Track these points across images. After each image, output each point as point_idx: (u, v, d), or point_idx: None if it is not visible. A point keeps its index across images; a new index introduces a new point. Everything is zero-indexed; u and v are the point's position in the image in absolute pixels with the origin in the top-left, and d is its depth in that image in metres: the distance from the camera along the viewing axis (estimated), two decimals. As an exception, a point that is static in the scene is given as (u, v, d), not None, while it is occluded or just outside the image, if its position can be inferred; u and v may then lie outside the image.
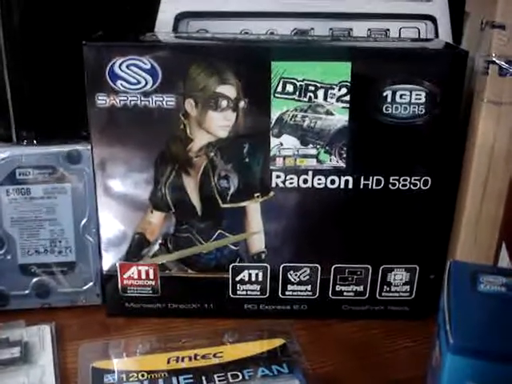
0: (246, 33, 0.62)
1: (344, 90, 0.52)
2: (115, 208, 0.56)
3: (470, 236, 0.55)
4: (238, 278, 0.58)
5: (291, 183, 0.55)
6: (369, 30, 0.64)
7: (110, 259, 0.58)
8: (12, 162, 0.58)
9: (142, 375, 0.52)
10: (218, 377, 0.52)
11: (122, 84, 0.52)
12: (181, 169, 0.55)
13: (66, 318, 0.59)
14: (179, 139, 0.53)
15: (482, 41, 0.53)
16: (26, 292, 0.60)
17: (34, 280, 0.60)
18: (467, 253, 0.55)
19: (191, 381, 0.52)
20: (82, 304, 0.61)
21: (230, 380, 0.52)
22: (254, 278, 0.58)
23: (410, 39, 0.60)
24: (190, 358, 0.54)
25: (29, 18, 0.58)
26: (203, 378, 0.52)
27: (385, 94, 0.52)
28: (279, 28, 0.63)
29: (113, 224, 0.57)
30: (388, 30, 0.65)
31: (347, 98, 0.52)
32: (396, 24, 0.65)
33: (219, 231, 0.57)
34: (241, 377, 0.52)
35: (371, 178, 0.54)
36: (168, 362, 0.54)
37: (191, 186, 0.55)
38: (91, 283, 0.60)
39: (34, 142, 0.59)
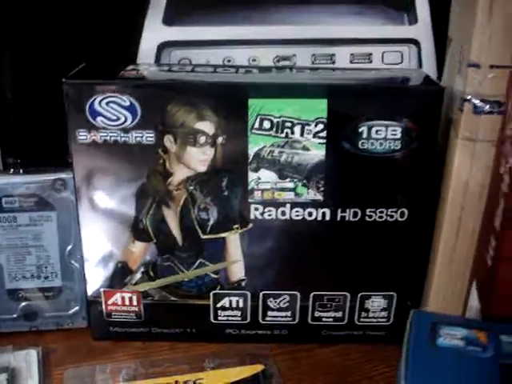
0: (229, 61, 0.62)
1: (320, 126, 0.53)
2: (98, 237, 0.58)
3: (445, 273, 0.55)
4: (218, 305, 0.59)
5: (269, 215, 0.56)
6: (351, 55, 0.65)
7: (94, 286, 0.59)
8: (-1, 190, 0.59)
9: (125, 403, 0.54)
10: (198, 404, 0.54)
11: (102, 120, 0.53)
12: (161, 201, 0.56)
13: (52, 342, 0.61)
14: (159, 173, 0.55)
15: (457, 77, 0.54)
16: (14, 316, 0.62)
17: (22, 304, 0.62)
18: (443, 287, 0.56)
19: (171, 409, 0.54)
20: (68, 327, 0.62)
21: (209, 408, 0.53)
22: (234, 305, 0.59)
23: (389, 70, 0.60)
24: (172, 386, 0.56)
25: (13, 50, 0.60)
26: (183, 405, 0.54)
27: (360, 129, 0.53)
28: (262, 55, 0.63)
29: (96, 252, 0.58)
30: (371, 54, 0.65)
31: (324, 133, 0.53)
32: (379, 48, 0.65)
33: (200, 260, 0.58)
34: (219, 405, 0.54)
35: (348, 210, 0.55)
36: (149, 391, 0.55)
37: (172, 217, 0.56)
38: (77, 307, 0.62)
39: (20, 170, 0.60)
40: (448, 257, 0.54)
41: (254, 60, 0.63)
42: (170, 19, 0.63)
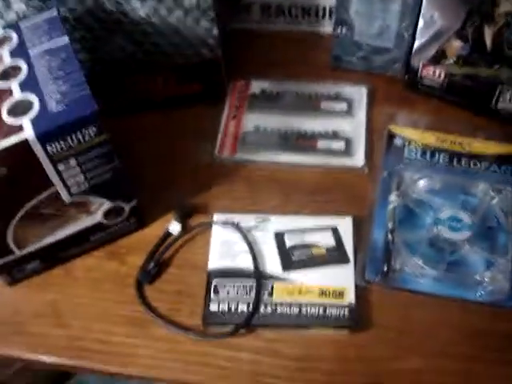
0: None
1: None
2: (427, 24, 0.79)
3: None
4: (500, 98, 0.80)
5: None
6: None
7: (417, 58, 0.83)
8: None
9: (418, 145, 0.81)
10: (464, 162, 0.79)
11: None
12: (484, 21, 0.74)
13: (379, 83, 0.87)
14: (489, 3, 0.72)
15: None
16: (354, 58, 0.88)
17: (360, 53, 0.87)
18: None
19: (447, 159, 0.80)
20: (390, 75, 0.88)
21: (471, 167, 0.79)
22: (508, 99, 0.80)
23: None
24: (450, 142, 0.81)
25: None
26: (455, 159, 0.79)
27: None
28: None
29: (426, 34, 0.80)
30: None
31: None
32: None
33: (498, 65, 0.78)
34: (478, 166, 0.78)
35: None
36: (436, 140, 0.81)
37: (488, 33, 0.75)
38: (400, 64, 0.86)
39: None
40: None
41: None
42: None
